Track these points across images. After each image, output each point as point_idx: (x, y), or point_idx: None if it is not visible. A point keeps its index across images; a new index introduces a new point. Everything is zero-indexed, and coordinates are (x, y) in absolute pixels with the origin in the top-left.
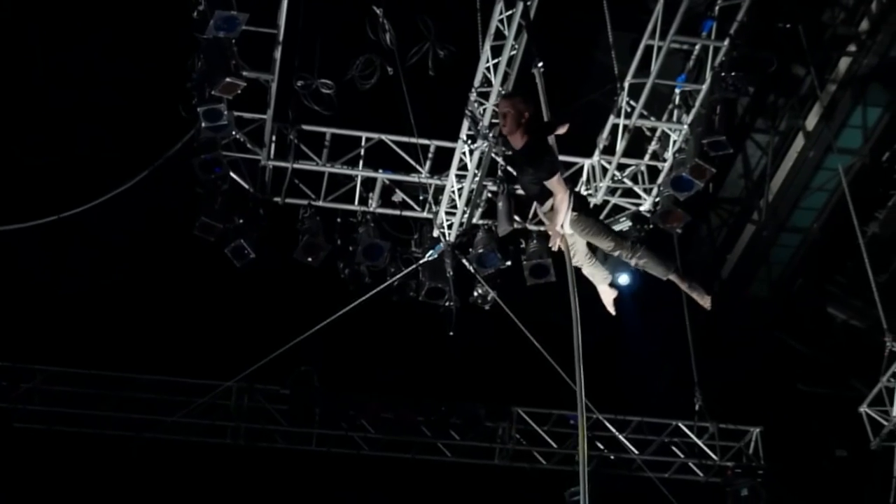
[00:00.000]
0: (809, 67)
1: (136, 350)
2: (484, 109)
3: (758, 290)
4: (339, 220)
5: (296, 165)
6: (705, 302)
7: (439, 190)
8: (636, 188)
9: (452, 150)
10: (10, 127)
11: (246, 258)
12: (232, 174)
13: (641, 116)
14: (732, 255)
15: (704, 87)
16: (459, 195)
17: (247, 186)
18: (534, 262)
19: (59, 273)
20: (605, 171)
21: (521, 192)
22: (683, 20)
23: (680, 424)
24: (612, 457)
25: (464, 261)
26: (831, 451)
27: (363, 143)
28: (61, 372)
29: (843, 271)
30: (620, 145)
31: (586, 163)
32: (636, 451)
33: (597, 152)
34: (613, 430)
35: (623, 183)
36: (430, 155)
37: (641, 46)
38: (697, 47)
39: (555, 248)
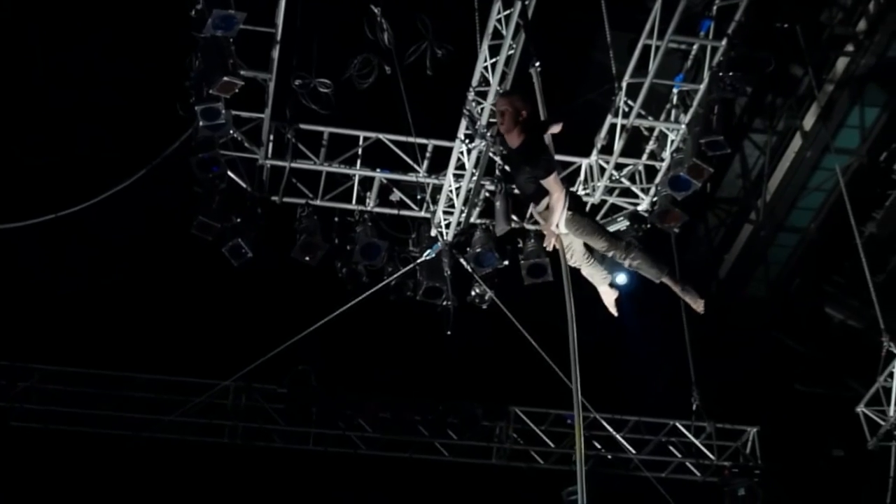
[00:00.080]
0: (807, 67)
1: (133, 349)
2: (482, 109)
3: (755, 290)
4: (336, 219)
5: (293, 164)
6: (698, 306)
7: (437, 189)
8: (634, 188)
9: (450, 150)
10: (10, 127)
11: (243, 257)
12: (229, 173)
13: (639, 116)
14: (730, 254)
15: (702, 87)
16: (457, 194)
17: (244, 185)
18: (531, 262)
19: (56, 272)
20: (602, 170)
21: (516, 191)
22: (681, 20)
23: (677, 424)
24: (609, 456)
25: (461, 260)
26: (828, 451)
27: (361, 142)
28: (58, 371)
29: (840, 271)
30: (618, 145)
31: (584, 162)
32: (633, 451)
33: (594, 152)
34: (611, 429)
35: (621, 182)
36: (427, 154)
37: (639, 46)
38: (695, 47)
39: (549, 248)
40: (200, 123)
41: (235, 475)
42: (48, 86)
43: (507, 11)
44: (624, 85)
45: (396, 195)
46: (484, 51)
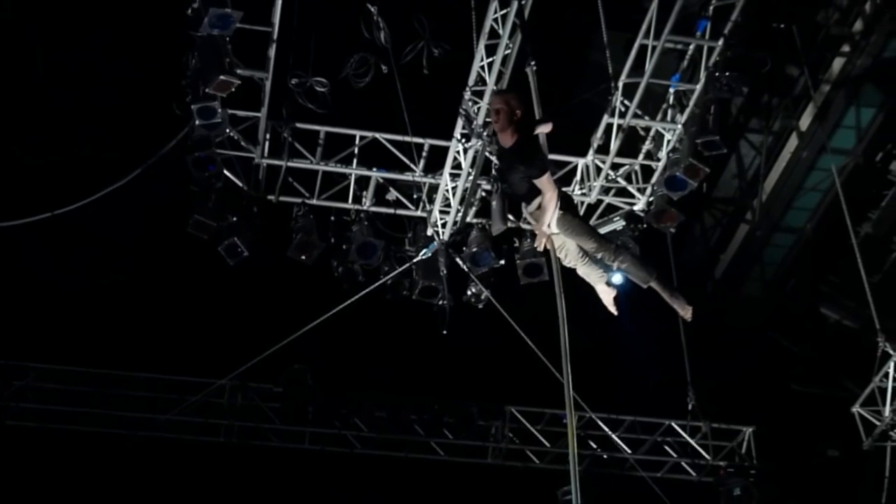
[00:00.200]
0: (803, 68)
1: (129, 348)
2: (478, 108)
3: (751, 290)
4: (332, 218)
5: (290, 163)
6: (686, 313)
7: (433, 188)
8: (630, 188)
9: (446, 149)
10: (10, 127)
11: (239, 256)
12: (226, 172)
13: (635, 116)
14: (726, 254)
15: (698, 87)
16: (453, 194)
17: (241, 184)
18: (527, 261)
19: (52, 271)
20: (599, 170)
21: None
22: (678, 20)
23: (673, 424)
24: (604, 456)
25: (457, 259)
26: (823, 451)
27: (357, 141)
28: (54, 369)
29: (836, 271)
30: (614, 145)
31: (580, 162)
32: (629, 451)
33: (591, 151)
34: (606, 429)
35: (617, 182)
36: (424, 153)
37: (636, 46)
38: (692, 47)
39: (540, 248)
40: (197, 122)
41: (231, 474)
42: (48, 86)
43: (504, 11)
44: (620, 85)
45: (393, 194)
46: (480, 50)
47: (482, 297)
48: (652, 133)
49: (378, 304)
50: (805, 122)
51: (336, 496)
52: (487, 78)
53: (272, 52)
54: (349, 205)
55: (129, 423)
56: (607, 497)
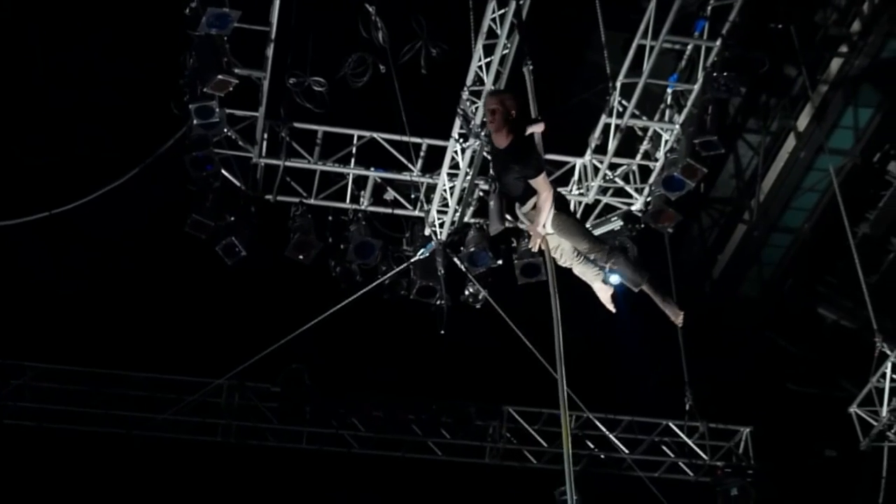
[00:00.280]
0: (801, 68)
1: (126, 347)
2: (476, 108)
3: (749, 290)
4: (330, 218)
5: (287, 163)
6: (677, 318)
7: (431, 188)
8: (628, 188)
9: (444, 149)
10: (10, 127)
11: (237, 256)
12: (223, 172)
13: (633, 116)
14: (723, 254)
15: (696, 87)
16: (451, 194)
17: (238, 184)
18: (525, 261)
19: (50, 270)
20: (596, 170)
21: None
22: (676, 20)
23: (670, 424)
24: (602, 456)
25: (455, 259)
26: (821, 452)
27: (355, 141)
28: (51, 369)
29: (833, 272)
30: (612, 145)
31: (578, 162)
32: (626, 451)
33: (588, 152)
34: (604, 429)
35: (615, 182)
36: (421, 153)
37: (634, 46)
38: (689, 47)
39: (535, 249)
40: (194, 122)
41: (229, 474)
42: (48, 86)
43: (502, 11)
44: (618, 85)
45: (390, 194)
46: (478, 50)
47: (480, 297)
48: (650, 133)
49: (376, 303)
50: (803, 122)
51: (333, 496)
52: (485, 78)
53: (270, 51)
54: (347, 204)
55: (126, 423)
56: (605, 497)
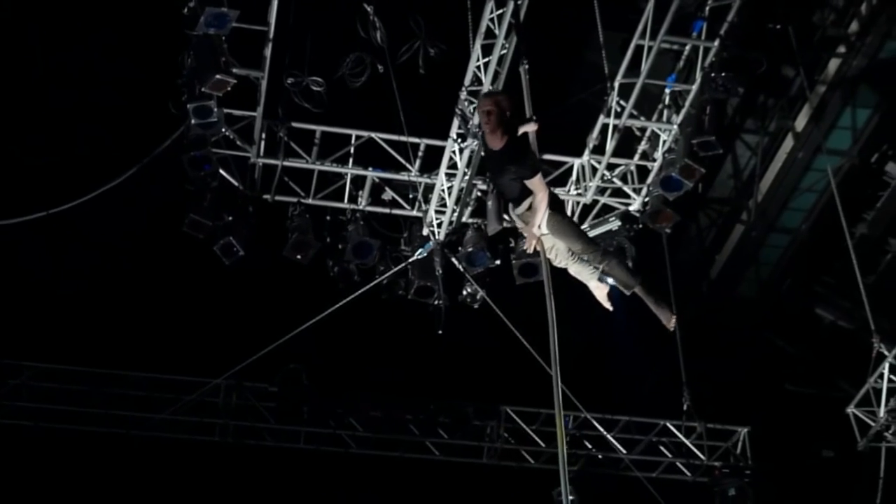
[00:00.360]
0: (799, 68)
1: (124, 346)
2: (474, 108)
3: (746, 291)
4: (328, 217)
5: (285, 163)
6: (669, 322)
7: (429, 188)
8: (626, 188)
9: (442, 149)
10: (10, 127)
11: (235, 255)
12: (221, 171)
13: (631, 116)
14: (721, 255)
15: (694, 88)
16: (449, 194)
17: (236, 184)
18: (523, 261)
19: (48, 270)
20: (594, 170)
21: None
22: (674, 20)
23: (668, 424)
24: (599, 456)
25: (453, 259)
26: (818, 452)
27: (353, 140)
28: (49, 368)
29: (831, 272)
30: (610, 145)
31: (576, 162)
32: (624, 451)
33: (587, 152)
34: (601, 429)
35: (613, 182)
36: (420, 153)
37: (632, 46)
38: (688, 47)
39: (530, 250)
40: (192, 121)
41: (226, 474)
42: (48, 86)
43: (500, 11)
44: (616, 85)
45: (388, 194)
46: (476, 50)
47: (478, 296)
48: (648, 133)
49: (374, 303)
50: (801, 122)
51: (331, 496)
52: (483, 78)
53: (268, 51)
54: (345, 204)
55: (124, 423)
56: (602, 497)
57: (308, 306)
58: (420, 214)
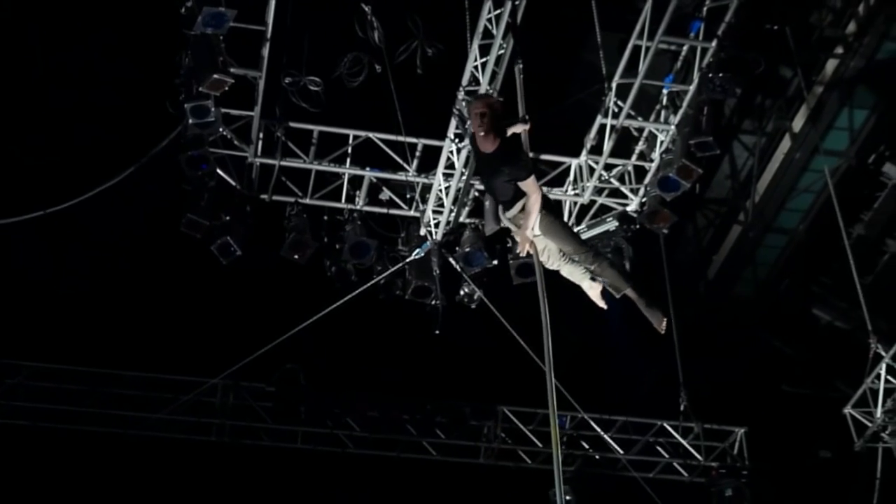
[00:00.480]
0: (796, 69)
1: (121, 346)
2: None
3: (743, 291)
4: (326, 217)
5: (283, 163)
6: (660, 325)
7: (426, 188)
8: (623, 188)
9: (440, 149)
10: (10, 127)
11: (232, 255)
12: (219, 171)
13: (629, 117)
14: (718, 255)
15: (692, 88)
16: (446, 194)
17: (234, 183)
18: (520, 262)
19: (45, 270)
20: (592, 170)
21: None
22: (671, 21)
23: (665, 424)
24: (596, 456)
25: (450, 259)
26: (816, 452)
27: (351, 140)
28: (46, 368)
29: (828, 273)
30: (608, 145)
31: (573, 162)
32: (621, 451)
33: (584, 152)
34: (598, 429)
35: (610, 183)
36: (417, 153)
37: (629, 47)
38: (685, 48)
39: (523, 253)
40: (190, 121)
41: (223, 473)
42: (48, 86)
43: (498, 11)
44: (614, 85)
45: (386, 194)
46: (474, 50)
47: (475, 296)
48: (645, 134)
49: (371, 303)
50: (798, 123)
51: (328, 495)
52: (481, 78)
53: (266, 50)
54: (342, 204)
55: (121, 422)
56: (599, 497)
57: (305, 306)
58: (417, 214)
